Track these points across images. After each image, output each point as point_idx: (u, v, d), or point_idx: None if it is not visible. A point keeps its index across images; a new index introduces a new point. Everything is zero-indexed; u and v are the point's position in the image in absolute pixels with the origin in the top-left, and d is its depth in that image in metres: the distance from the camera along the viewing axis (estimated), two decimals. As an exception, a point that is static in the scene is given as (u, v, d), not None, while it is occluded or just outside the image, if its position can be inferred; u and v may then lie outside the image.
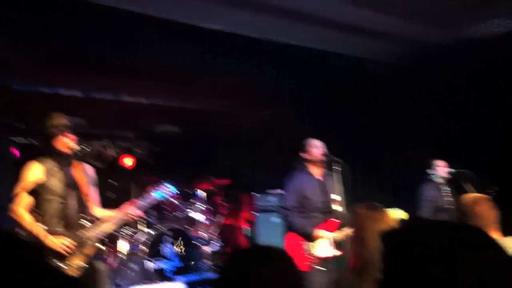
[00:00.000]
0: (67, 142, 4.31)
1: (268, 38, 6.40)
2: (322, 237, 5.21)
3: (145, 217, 6.72)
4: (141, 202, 4.72)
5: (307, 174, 5.50)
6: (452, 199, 6.34)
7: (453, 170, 6.42)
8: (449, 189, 6.50)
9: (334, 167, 5.36)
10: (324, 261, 5.20)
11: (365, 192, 7.00)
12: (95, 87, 7.52)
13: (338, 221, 5.33)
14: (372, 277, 2.61)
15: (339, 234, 5.24)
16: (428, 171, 6.58)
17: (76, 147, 4.38)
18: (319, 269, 5.14)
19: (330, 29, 6.20)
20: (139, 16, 5.54)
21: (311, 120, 7.76)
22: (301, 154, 5.53)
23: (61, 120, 4.38)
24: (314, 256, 5.17)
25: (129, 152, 8.86)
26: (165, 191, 5.06)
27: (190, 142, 8.96)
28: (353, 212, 2.98)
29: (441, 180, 6.52)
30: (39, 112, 6.94)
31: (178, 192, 6.72)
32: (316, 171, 5.52)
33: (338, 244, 5.36)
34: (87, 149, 4.64)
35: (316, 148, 5.47)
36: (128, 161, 8.81)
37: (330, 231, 5.28)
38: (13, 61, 5.38)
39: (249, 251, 1.85)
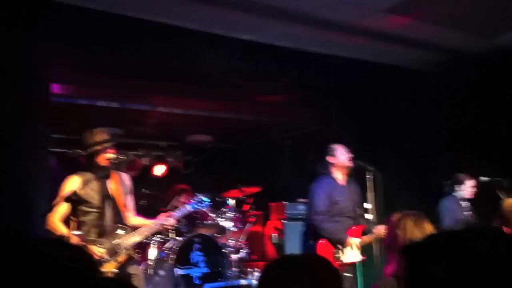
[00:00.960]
0: (108, 157, 4.60)
1: (299, 47, 6.51)
2: (352, 243, 5.29)
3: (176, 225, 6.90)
4: (175, 213, 5.00)
5: (333, 179, 5.58)
6: (471, 213, 6.31)
7: (486, 178, 6.37)
8: (469, 203, 6.44)
9: (367, 175, 5.43)
10: (349, 266, 5.30)
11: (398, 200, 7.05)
12: (130, 98, 7.78)
13: (361, 226, 5.41)
14: None
15: (365, 239, 5.32)
16: (456, 186, 6.52)
17: (115, 160, 4.66)
18: (345, 275, 5.24)
19: (362, 37, 6.26)
20: (177, 28, 5.78)
21: (340, 127, 7.78)
22: (327, 159, 5.61)
23: (103, 136, 4.63)
24: (342, 262, 5.26)
25: (162, 160, 9.08)
26: (200, 203, 5.32)
27: (221, 151, 9.12)
28: (398, 220, 2.97)
29: (463, 196, 6.45)
30: (77, 122, 7.30)
31: (211, 203, 6.89)
32: (341, 177, 5.60)
33: (362, 250, 5.45)
34: (123, 158, 4.89)
35: (342, 153, 5.55)
36: (159, 170, 9.00)
37: (356, 237, 5.37)
38: (51, 71, 5.63)
39: (295, 260, 1.86)
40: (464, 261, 1.22)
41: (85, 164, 4.69)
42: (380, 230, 5.12)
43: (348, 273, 5.32)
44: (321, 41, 6.42)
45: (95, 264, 1.65)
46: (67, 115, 7.08)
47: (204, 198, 5.36)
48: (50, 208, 4.32)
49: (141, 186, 7.64)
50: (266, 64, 6.57)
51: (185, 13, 5.54)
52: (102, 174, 4.66)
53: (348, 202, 5.53)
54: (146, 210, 6.78)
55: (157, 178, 8.89)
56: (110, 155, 4.61)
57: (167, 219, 4.86)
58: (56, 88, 6.72)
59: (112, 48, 5.77)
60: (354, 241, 5.35)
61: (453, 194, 6.53)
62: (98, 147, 4.56)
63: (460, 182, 6.48)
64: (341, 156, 5.55)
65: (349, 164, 5.52)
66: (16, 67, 5.06)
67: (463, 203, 6.46)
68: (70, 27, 5.31)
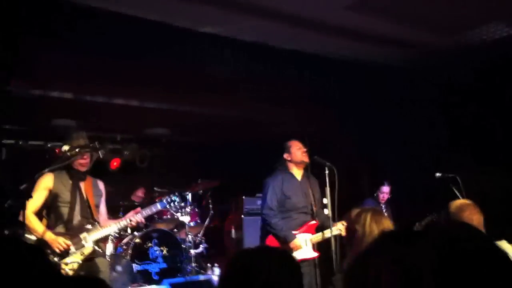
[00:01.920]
0: (84, 163, 4.79)
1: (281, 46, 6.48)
2: (299, 244, 5.27)
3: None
4: (145, 211, 5.07)
5: (288, 174, 5.58)
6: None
7: (440, 174, 6.48)
8: (383, 207, 7.28)
9: (325, 171, 5.44)
10: (303, 263, 5.29)
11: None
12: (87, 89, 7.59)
13: (315, 222, 5.43)
14: None
15: (317, 236, 5.34)
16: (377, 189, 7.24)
17: (89, 165, 4.89)
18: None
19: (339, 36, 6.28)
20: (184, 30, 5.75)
21: (310, 123, 7.80)
22: (284, 155, 5.61)
23: (80, 141, 4.81)
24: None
25: (118, 154, 8.90)
26: (170, 203, 5.39)
27: (179, 145, 9.02)
28: (357, 215, 3.00)
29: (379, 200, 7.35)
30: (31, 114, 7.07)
31: (182, 202, 6.84)
32: (297, 172, 5.61)
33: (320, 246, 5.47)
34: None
35: (297, 149, 5.56)
36: (114, 163, 8.84)
37: (308, 233, 5.37)
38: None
39: (255, 251, 1.89)
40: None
41: (60, 163, 4.74)
42: (338, 226, 5.15)
43: (303, 270, 5.31)
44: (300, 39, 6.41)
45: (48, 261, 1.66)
46: (21, 106, 6.84)
47: (175, 198, 5.45)
48: (23, 202, 4.35)
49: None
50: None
51: (164, 7, 5.45)
52: (76, 175, 4.80)
53: (301, 197, 5.53)
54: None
55: (113, 172, 8.70)
56: (86, 161, 4.80)
57: (135, 216, 4.95)
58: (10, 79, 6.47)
59: (71, 36, 5.60)
60: (304, 238, 5.35)
61: (375, 195, 7.35)
62: (75, 153, 4.69)
63: (380, 189, 7.31)
64: (296, 152, 5.56)
65: (304, 159, 5.52)
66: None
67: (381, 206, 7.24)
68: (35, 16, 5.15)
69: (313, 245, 5.38)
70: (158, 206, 5.21)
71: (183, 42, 6.08)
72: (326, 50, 6.69)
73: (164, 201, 5.42)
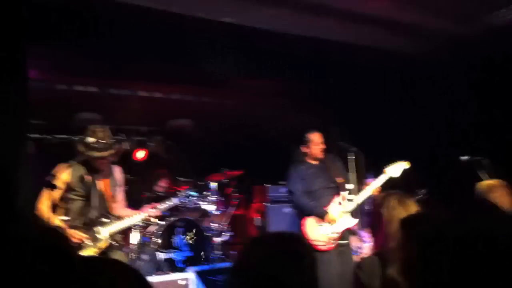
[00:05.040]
0: (104, 162, 4.75)
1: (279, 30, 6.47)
2: (335, 215, 5.32)
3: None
4: (160, 205, 5.15)
5: (305, 163, 5.64)
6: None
7: (466, 157, 6.40)
8: None
9: (348, 156, 5.46)
10: (343, 237, 5.33)
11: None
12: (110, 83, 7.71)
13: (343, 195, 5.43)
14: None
15: (350, 204, 5.35)
16: None
17: (110, 164, 4.87)
18: (339, 245, 5.29)
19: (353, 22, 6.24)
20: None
21: (325, 111, 7.77)
22: (302, 148, 5.65)
23: (104, 138, 4.65)
24: (335, 233, 5.29)
25: (142, 145, 9.01)
26: (187, 197, 5.44)
27: (203, 135, 9.07)
28: (383, 198, 3.00)
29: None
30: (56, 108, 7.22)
31: (198, 195, 6.93)
32: (315, 162, 5.66)
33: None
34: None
35: (315, 145, 5.59)
36: (140, 154, 8.93)
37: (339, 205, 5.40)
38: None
39: (263, 239, 1.92)
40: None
41: (79, 154, 4.73)
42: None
43: (345, 240, 5.37)
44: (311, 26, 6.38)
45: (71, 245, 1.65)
46: (45, 100, 6.97)
47: (192, 192, 5.53)
48: (38, 194, 4.46)
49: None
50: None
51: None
52: (94, 169, 4.75)
53: (322, 177, 5.57)
54: (128, 195, 6.76)
55: (138, 163, 8.80)
56: (107, 162, 4.78)
57: (152, 211, 5.01)
58: (33, 73, 6.61)
59: (91, 33, 5.71)
60: (339, 209, 5.38)
61: None
62: (96, 154, 4.61)
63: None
64: (313, 147, 5.60)
65: (319, 156, 5.56)
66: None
67: None
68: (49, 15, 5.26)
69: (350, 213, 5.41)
70: (176, 201, 5.35)
71: (202, 36, 6.14)
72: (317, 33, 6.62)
73: (181, 195, 5.53)
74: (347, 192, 5.52)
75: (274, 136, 8.72)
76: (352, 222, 5.42)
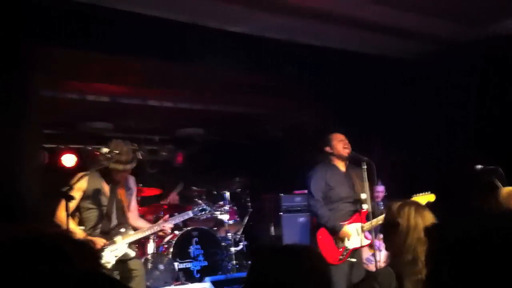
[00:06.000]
0: (125, 176, 4.81)
1: (288, 39, 6.44)
2: (349, 233, 5.26)
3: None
4: (177, 219, 5.26)
5: (331, 166, 5.56)
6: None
7: (481, 166, 6.34)
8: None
9: (362, 165, 5.39)
10: (353, 252, 5.28)
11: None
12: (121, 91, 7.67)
13: (365, 210, 5.37)
14: (417, 271, 2.61)
15: (367, 225, 5.29)
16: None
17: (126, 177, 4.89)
18: (349, 260, 5.23)
19: (351, 28, 6.21)
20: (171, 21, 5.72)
21: (337, 118, 7.74)
22: (325, 148, 5.58)
23: (129, 156, 4.70)
24: (345, 249, 5.24)
25: (155, 155, 8.97)
26: (201, 211, 5.52)
27: (215, 144, 9.05)
28: (399, 208, 2.91)
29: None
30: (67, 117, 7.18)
31: (211, 211, 6.92)
32: (341, 164, 5.58)
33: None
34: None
35: (340, 142, 5.52)
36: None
37: (358, 222, 5.34)
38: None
39: (276, 251, 1.88)
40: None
41: (98, 163, 4.73)
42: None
43: (353, 258, 5.31)
44: (314, 33, 6.36)
45: (96, 257, 1.71)
46: (57, 109, 6.94)
47: (206, 207, 5.58)
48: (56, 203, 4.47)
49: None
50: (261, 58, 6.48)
51: (178, 5, 5.47)
52: (113, 181, 4.78)
53: (346, 187, 5.50)
54: (140, 204, 6.71)
55: (150, 172, 8.75)
56: (126, 175, 4.84)
57: (168, 224, 5.04)
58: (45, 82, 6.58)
59: (100, 41, 5.66)
60: (356, 227, 5.33)
61: None
62: (120, 167, 4.63)
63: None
64: (337, 144, 5.53)
65: (346, 152, 5.48)
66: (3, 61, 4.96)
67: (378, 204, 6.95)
68: (55, 20, 5.21)
69: (364, 233, 5.35)
70: (190, 214, 5.43)
71: (213, 43, 6.10)
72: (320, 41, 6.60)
73: (196, 209, 5.58)
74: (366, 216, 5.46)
75: (286, 145, 8.70)
76: (365, 242, 5.36)
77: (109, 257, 4.57)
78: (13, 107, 5.04)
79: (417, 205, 2.92)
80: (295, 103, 7.97)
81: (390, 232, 2.89)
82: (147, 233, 4.97)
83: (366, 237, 5.37)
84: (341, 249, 5.24)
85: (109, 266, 4.56)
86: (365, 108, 7.38)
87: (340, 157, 5.54)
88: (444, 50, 6.75)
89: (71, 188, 4.42)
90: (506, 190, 3.63)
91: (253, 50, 6.41)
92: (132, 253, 4.82)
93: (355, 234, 5.31)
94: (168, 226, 5.03)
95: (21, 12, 4.97)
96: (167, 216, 5.24)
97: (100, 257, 4.33)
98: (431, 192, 5.08)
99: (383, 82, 7.21)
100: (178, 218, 5.25)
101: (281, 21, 5.87)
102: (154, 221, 5.92)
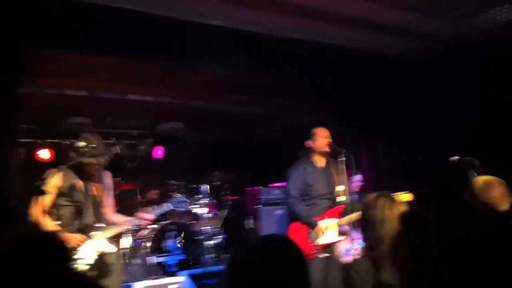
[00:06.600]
0: (96, 168, 4.74)
1: (281, 35, 6.45)
2: (324, 228, 5.31)
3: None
4: (154, 211, 5.21)
5: (310, 162, 5.60)
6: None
7: (456, 157, 6.38)
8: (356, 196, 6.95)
9: (338, 157, 5.44)
10: (326, 247, 5.32)
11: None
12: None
13: (341, 207, 5.42)
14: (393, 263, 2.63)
15: (342, 220, 5.34)
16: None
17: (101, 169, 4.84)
18: (322, 256, 5.27)
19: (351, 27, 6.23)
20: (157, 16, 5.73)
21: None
22: (307, 143, 5.62)
23: (98, 147, 4.67)
24: (318, 244, 5.29)
25: (134, 149, 8.97)
26: (179, 203, 5.51)
27: (194, 139, 9.05)
28: (373, 200, 2.95)
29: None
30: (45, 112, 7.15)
31: (190, 202, 6.95)
32: (320, 160, 5.62)
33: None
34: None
35: (322, 137, 5.55)
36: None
37: (333, 217, 5.39)
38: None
39: (256, 242, 1.91)
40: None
41: (70, 159, 4.72)
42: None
43: (326, 253, 5.35)
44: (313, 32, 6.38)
45: (67, 250, 1.67)
46: (35, 105, 6.92)
47: (185, 199, 5.62)
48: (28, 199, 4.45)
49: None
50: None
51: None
52: (86, 174, 4.74)
53: (324, 184, 5.54)
54: (119, 199, 6.73)
55: (129, 168, 8.76)
56: (97, 167, 4.76)
57: (145, 216, 5.05)
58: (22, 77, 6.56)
59: (80, 36, 5.66)
60: (330, 222, 5.37)
61: None
62: (94, 161, 4.62)
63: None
64: (320, 140, 5.55)
65: (325, 149, 5.52)
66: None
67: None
68: (35, 17, 5.21)
69: (339, 229, 5.39)
70: (169, 206, 5.42)
71: (193, 38, 6.11)
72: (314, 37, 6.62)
73: (175, 201, 5.60)
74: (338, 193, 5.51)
75: (267, 137, 8.72)
76: (339, 238, 5.41)
77: (89, 254, 4.55)
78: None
79: (391, 197, 2.95)
80: (294, 102, 7.98)
81: (366, 224, 2.94)
82: (126, 227, 5.01)
83: (341, 232, 5.43)
84: (313, 244, 5.29)
85: (89, 262, 4.53)
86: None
87: (321, 152, 5.59)
88: (444, 50, 6.76)
89: (44, 183, 4.45)
90: (480, 180, 3.56)
91: (252, 49, 6.44)
92: (113, 249, 4.82)
93: (328, 230, 5.36)
94: (148, 217, 5.06)
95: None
96: (149, 208, 5.25)
97: (71, 256, 4.35)
98: (409, 192, 5.17)
99: (383, 82, 7.25)
100: (158, 210, 5.23)
101: (281, 19, 5.87)
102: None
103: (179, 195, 5.72)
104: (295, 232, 5.35)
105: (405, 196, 5.15)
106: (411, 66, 7.17)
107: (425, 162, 6.97)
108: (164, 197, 7.65)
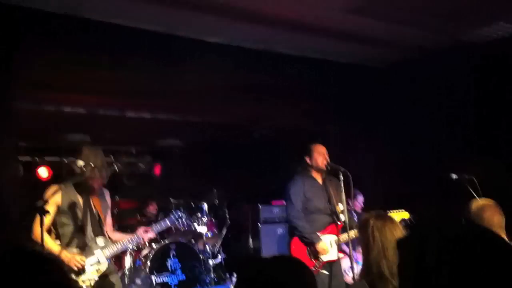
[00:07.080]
0: (100, 182, 4.68)
1: (265, 48, 6.47)
2: (326, 246, 5.28)
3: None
4: (154, 228, 5.13)
5: (309, 177, 5.59)
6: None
7: (456, 176, 6.39)
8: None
9: (339, 176, 5.42)
10: (327, 264, 5.29)
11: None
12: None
13: (340, 224, 5.40)
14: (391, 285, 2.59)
15: (342, 237, 5.32)
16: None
17: (101, 186, 4.79)
18: (322, 272, 5.25)
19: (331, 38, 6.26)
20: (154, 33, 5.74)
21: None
22: (305, 158, 5.61)
23: (98, 161, 4.55)
24: (319, 260, 5.26)
25: (133, 167, 8.91)
26: (178, 218, 5.55)
27: (193, 155, 9.01)
28: (363, 222, 2.90)
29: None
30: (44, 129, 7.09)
31: (189, 218, 6.87)
32: (318, 175, 5.62)
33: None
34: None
35: (320, 154, 5.55)
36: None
37: (333, 234, 5.36)
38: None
39: (266, 263, 1.86)
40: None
41: (70, 175, 4.60)
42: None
43: (325, 270, 5.33)
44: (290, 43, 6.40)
45: (67, 275, 1.68)
46: (33, 121, 6.86)
47: (182, 214, 5.56)
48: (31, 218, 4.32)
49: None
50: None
51: (160, 17, 5.47)
52: (86, 191, 4.65)
53: (323, 199, 5.54)
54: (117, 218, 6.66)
55: (127, 185, 8.69)
56: (100, 181, 4.68)
57: (146, 234, 4.96)
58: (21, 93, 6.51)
59: (79, 51, 5.63)
60: (330, 239, 5.35)
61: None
62: (96, 174, 4.53)
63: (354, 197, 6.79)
64: (317, 157, 5.55)
65: (323, 166, 5.52)
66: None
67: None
68: (34, 31, 5.18)
69: (338, 246, 5.38)
70: (167, 223, 5.33)
71: (190, 53, 6.11)
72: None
73: (172, 217, 5.49)
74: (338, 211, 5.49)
75: (264, 156, 8.69)
76: (338, 256, 5.40)
77: (90, 273, 4.46)
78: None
79: (381, 218, 2.87)
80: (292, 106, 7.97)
81: (361, 245, 2.91)
82: (126, 244, 4.88)
83: (341, 250, 5.41)
84: (314, 261, 5.27)
85: (92, 283, 4.44)
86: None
87: (318, 169, 5.59)
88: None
89: (46, 202, 4.35)
90: (476, 204, 3.65)
91: (236, 60, 6.44)
92: (114, 269, 4.77)
93: (329, 247, 5.33)
94: (147, 236, 4.99)
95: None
96: (149, 228, 5.11)
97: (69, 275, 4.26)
98: (406, 210, 5.19)
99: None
100: (156, 227, 5.14)
101: (256, 31, 5.91)
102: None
103: (179, 212, 5.62)
104: (296, 247, 5.34)
105: (400, 214, 5.17)
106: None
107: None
108: (163, 213, 7.61)
